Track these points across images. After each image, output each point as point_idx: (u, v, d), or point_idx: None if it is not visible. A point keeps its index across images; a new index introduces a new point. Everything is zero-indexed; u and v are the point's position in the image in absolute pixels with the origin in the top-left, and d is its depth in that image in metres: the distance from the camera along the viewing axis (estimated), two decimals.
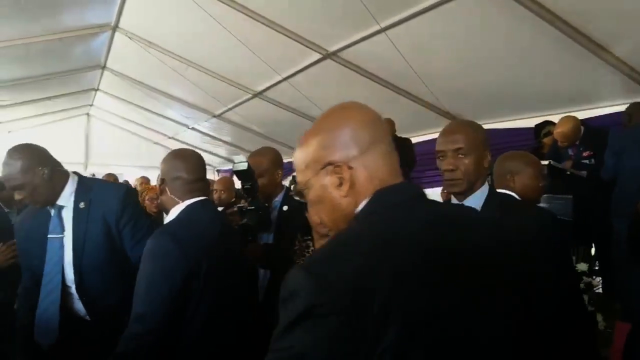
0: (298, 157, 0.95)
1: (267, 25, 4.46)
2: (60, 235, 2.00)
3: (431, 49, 4.12)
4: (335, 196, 0.90)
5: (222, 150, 10.57)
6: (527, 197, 1.88)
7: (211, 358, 1.63)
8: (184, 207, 1.70)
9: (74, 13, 5.30)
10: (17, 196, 1.98)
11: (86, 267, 1.98)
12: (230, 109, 7.31)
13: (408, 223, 0.84)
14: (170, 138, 10.65)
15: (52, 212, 2.04)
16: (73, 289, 1.98)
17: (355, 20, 4.05)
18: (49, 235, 2.01)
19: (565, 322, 1.45)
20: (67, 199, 2.03)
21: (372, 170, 0.89)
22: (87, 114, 11.31)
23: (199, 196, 1.74)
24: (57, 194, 2.01)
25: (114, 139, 11.20)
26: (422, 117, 5.23)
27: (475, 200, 1.60)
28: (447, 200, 2.11)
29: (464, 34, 3.78)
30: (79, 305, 2.00)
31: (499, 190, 1.81)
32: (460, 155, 1.58)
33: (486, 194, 1.62)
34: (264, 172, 2.32)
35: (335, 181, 0.88)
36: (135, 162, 10.80)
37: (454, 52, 4.06)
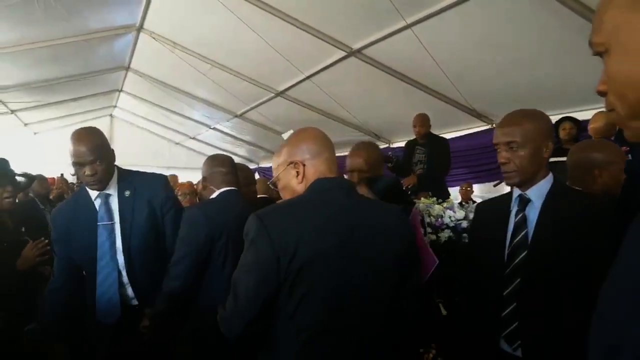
0: (274, 160, 1.54)
1: (290, 23, 4.44)
2: (110, 222, 2.13)
3: (458, 45, 4.04)
4: (294, 183, 1.48)
5: (242, 150, 10.62)
6: (611, 193, 1.75)
7: None
8: (217, 193, 2.25)
9: (99, 15, 5.36)
10: (90, 171, 2.03)
11: (135, 252, 2.14)
12: (252, 108, 7.34)
13: (327, 201, 1.40)
14: (191, 138, 10.75)
15: (99, 201, 2.15)
16: (124, 275, 2.14)
17: (380, 17, 4.00)
18: (98, 223, 2.12)
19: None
20: (113, 187, 2.17)
21: (316, 168, 1.45)
22: (111, 115, 11.48)
23: (230, 186, 2.26)
24: (110, 180, 2.15)
25: (136, 139, 11.32)
26: (446, 115, 5.16)
27: (540, 190, 1.62)
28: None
29: (495, 30, 3.70)
30: (128, 291, 2.16)
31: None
32: (513, 148, 1.60)
33: (550, 183, 1.62)
34: None
35: (295, 173, 1.47)
36: (157, 163, 10.90)
37: (482, 49, 3.97)
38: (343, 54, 4.71)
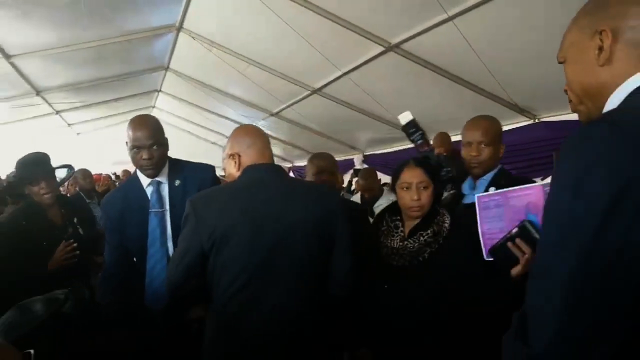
0: (223, 153, 1.92)
1: (327, 18, 4.40)
2: (160, 210, 2.21)
3: (501, 38, 3.92)
4: (233, 171, 1.85)
5: (277, 149, 10.66)
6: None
7: None
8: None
9: (141, 15, 5.48)
10: (147, 155, 2.13)
11: None
12: (288, 106, 7.35)
13: (249, 184, 1.74)
14: (227, 137, 10.85)
15: (151, 188, 2.24)
16: None
17: (420, 10, 3.92)
18: (150, 210, 2.20)
19: None
20: (164, 176, 2.26)
21: (250, 157, 1.82)
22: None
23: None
24: (163, 167, 2.25)
25: (173, 139, 11.39)
26: (487, 110, 4.99)
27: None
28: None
29: (539, 23, 3.57)
30: None
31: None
32: (482, 146, 2.16)
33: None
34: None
35: (233, 163, 1.85)
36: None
37: (526, 42, 3.83)
38: (381, 49, 4.65)
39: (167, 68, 7.73)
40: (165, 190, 2.25)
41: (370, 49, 4.78)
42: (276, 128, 9.06)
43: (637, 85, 0.88)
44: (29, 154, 2.78)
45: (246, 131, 1.91)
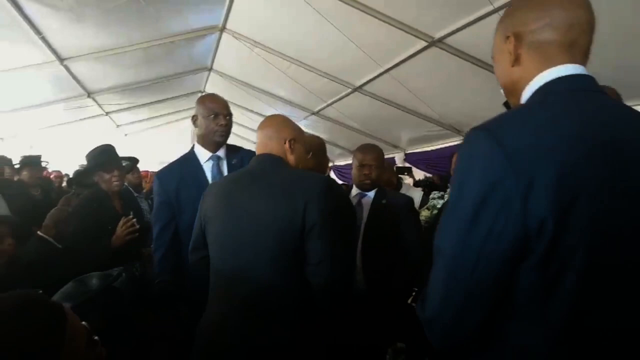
0: None
1: (368, 14, 4.36)
2: None
3: None
4: None
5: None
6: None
7: None
8: None
9: (185, 16, 5.60)
10: (224, 122, 2.43)
11: None
12: (329, 104, 7.36)
13: (246, 172, 1.94)
14: None
15: (210, 163, 2.44)
16: None
17: (464, 2, 3.84)
18: (211, 183, 2.32)
19: None
20: (223, 152, 2.49)
21: (257, 148, 2.01)
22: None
23: None
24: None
25: None
26: None
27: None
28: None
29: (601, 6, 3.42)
30: None
31: None
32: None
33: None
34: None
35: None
36: None
37: None
38: (423, 44, 4.57)
39: (210, 69, 7.88)
40: (224, 166, 2.42)
41: (412, 44, 4.71)
42: (317, 127, 9.08)
43: (538, 86, 1.04)
44: (100, 145, 2.99)
45: (260, 125, 2.07)
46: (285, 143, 1.98)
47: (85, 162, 3.09)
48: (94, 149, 2.99)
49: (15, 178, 5.12)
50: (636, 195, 0.89)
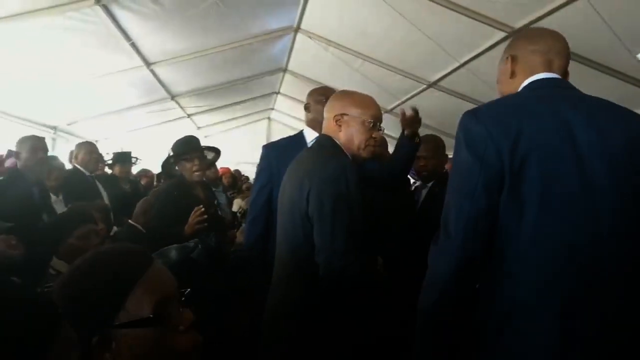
0: None
1: (442, 5, 4.27)
2: None
3: None
4: None
5: (391, 147, 10.57)
6: None
7: None
8: None
9: (260, 18, 5.79)
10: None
11: None
12: (402, 102, 7.27)
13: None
14: None
15: None
16: None
17: None
18: None
19: None
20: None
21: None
22: (268, 118, 12.35)
23: None
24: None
25: None
26: (628, 97, 4.53)
27: None
28: None
29: None
30: None
31: None
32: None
33: None
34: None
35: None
36: None
37: None
38: (503, 34, 4.40)
39: (285, 70, 8.06)
40: None
41: (489, 36, 4.56)
42: (391, 125, 9.00)
43: (521, 88, 1.51)
44: (184, 136, 3.17)
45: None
46: (332, 120, 1.92)
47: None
48: (178, 140, 3.18)
49: (109, 172, 5.60)
50: (579, 160, 1.27)
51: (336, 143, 1.91)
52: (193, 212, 2.90)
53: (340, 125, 1.91)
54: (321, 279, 1.71)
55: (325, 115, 1.98)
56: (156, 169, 8.45)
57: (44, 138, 3.82)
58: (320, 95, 2.52)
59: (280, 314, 1.85)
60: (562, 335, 1.23)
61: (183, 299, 1.05)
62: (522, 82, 1.50)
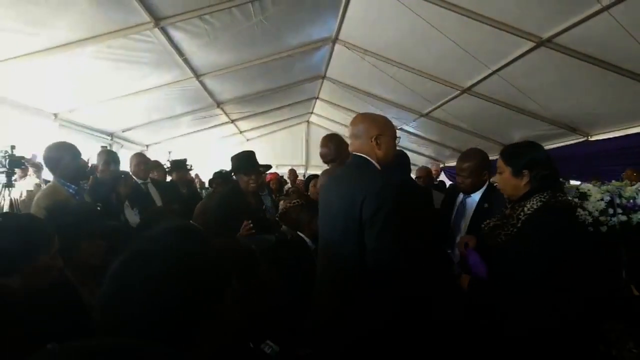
0: None
1: (473, 19, 4.52)
2: None
3: None
4: None
5: (428, 150, 10.77)
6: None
7: None
8: None
9: (302, 31, 6.16)
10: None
11: None
12: (438, 107, 7.50)
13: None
14: None
15: None
16: None
17: (570, 2, 3.85)
18: None
19: None
20: None
21: (350, 143, 2.41)
22: (307, 122, 12.74)
23: None
24: None
25: None
26: None
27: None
28: None
29: None
30: None
31: None
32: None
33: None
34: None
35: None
36: None
37: None
38: (531, 44, 4.61)
39: (324, 77, 8.44)
40: None
41: (520, 45, 4.76)
42: (426, 129, 9.22)
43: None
44: (244, 151, 3.63)
45: (351, 121, 2.40)
46: (371, 140, 2.22)
47: (224, 166, 3.77)
48: (238, 154, 3.61)
49: (168, 179, 6.05)
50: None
51: (369, 161, 2.24)
52: (243, 226, 3.32)
53: (379, 144, 2.23)
54: (375, 274, 2.01)
55: (361, 138, 2.27)
56: (201, 171, 9.00)
57: (115, 153, 4.32)
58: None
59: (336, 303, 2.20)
60: None
61: None
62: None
